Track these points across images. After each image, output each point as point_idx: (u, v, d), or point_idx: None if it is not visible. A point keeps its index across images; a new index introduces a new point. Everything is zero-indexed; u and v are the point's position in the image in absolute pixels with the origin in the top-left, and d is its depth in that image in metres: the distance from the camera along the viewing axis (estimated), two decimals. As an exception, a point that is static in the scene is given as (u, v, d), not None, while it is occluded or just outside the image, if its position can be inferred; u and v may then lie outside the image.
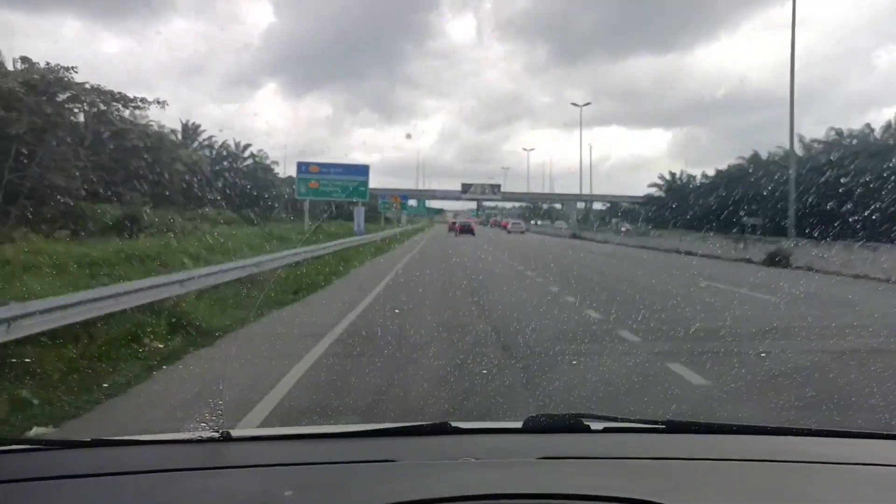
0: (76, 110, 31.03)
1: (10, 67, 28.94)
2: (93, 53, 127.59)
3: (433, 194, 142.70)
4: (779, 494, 1.47)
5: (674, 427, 1.89)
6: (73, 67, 29.16)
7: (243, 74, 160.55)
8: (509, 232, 76.66)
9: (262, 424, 4.97)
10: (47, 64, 29.05)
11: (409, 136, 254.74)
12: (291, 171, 52.13)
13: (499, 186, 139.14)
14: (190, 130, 56.46)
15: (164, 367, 7.22)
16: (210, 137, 58.65)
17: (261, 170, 60.80)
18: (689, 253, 30.45)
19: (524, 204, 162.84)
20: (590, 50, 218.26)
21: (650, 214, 76.01)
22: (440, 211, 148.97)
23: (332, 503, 1.39)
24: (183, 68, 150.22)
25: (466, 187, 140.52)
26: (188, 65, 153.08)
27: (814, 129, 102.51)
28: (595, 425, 1.88)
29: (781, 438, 1.90)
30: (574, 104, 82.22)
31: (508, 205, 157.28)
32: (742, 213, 43.41)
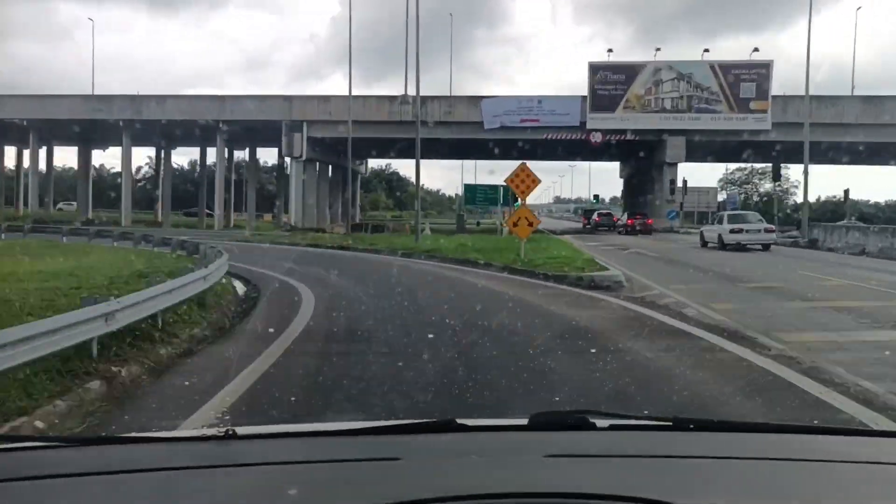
0: None
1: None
2: (157, 46, 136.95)
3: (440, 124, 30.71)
4: (785, 492, 1.44)
5: (680, 424, 1.84)
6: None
7: (309, 67, 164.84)
8: None
9: None
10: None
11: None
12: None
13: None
14: None
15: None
16: None
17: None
18: None
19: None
20: (675, 30, 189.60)
21: None
22: (502, 194, 42.25)
23: (337, 501, 1.38)
24: (247, 62, 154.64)
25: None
26: (251, 58, 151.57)
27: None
28: (600, 423, 1.81)
29: (787, 436, 1.85)
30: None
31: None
32: None
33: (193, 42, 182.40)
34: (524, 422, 1.76)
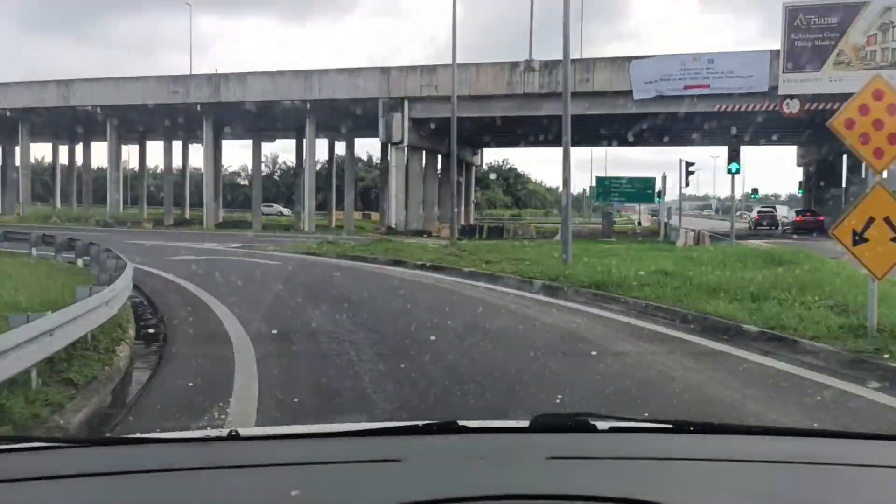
0: None
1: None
2: (287, 52, 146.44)
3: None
4: (786, 495, 1.47)
5: (680, 427, 1.86)
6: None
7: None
8: None
9: None
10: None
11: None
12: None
13: None
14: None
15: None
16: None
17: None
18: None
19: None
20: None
21: None
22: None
23: (339, 502, 1.40)
24: (371, 64, 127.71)
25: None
26: (372, 63, 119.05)
27: None
28: (601, 425, 1.83)
29: (789, 439, 1.87)
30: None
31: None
32: None
33: (319, 48, 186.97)
34: (525, 424, 1.77)
